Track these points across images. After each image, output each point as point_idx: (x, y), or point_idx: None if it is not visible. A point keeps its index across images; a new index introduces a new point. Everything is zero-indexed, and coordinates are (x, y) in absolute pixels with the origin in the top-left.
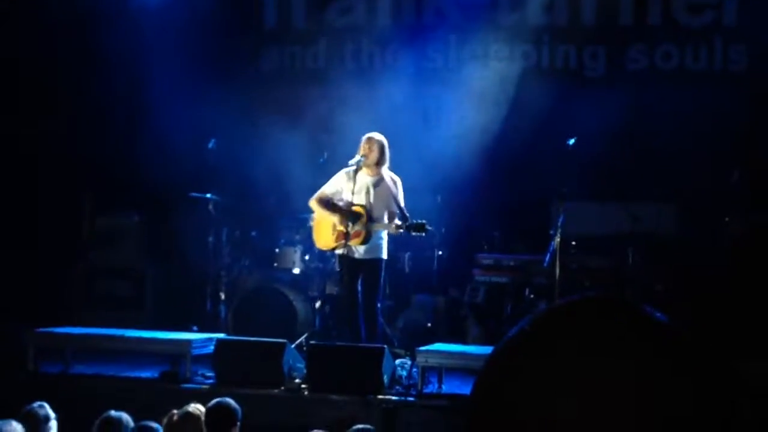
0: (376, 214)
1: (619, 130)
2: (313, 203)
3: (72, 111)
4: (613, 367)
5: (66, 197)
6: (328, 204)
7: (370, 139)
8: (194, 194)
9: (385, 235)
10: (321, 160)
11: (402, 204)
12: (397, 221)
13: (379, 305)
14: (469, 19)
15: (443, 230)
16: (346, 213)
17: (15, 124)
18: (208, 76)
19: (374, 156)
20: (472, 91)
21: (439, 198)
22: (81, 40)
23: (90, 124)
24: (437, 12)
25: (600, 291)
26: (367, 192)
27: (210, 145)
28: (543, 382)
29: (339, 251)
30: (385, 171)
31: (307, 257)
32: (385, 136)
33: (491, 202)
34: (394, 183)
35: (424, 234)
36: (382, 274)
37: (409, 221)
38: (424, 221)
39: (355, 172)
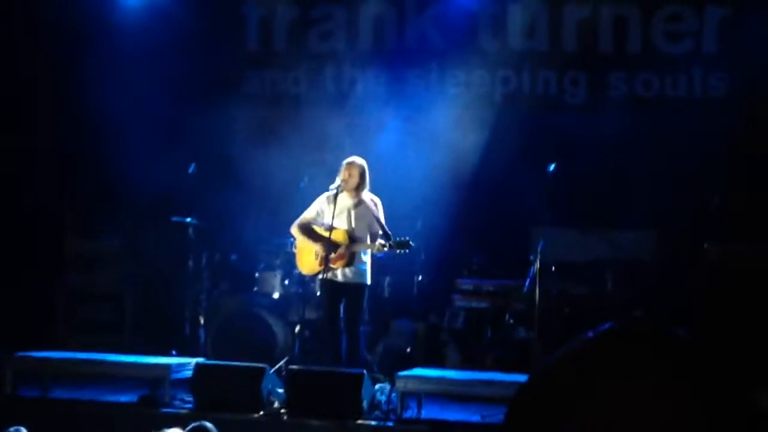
0: (357, 234)
1: (599, 156)
2: (294, 230)
3: (52, 132)
4: (646, 391)
5: (46, 220)
6: (309, 231)
7: (350, 164)
8: (175, 218)
9: (368, 259)
10: (301, 184)
11: (383, 223)
12: (381, 240)
13: (362, 330)
14: (450, 44)
15: (423, 255)
16: (327, 239)
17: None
18: (189, 98)
19: (354, 181)
20: (454, 116)
21: (419, 223)
22: (62, 59)
23: (69, 146)
24: (419, 37)
25: (627, 319)
26: (348, 214)
27: (190, 170)
28: (578, 408)
29: (322, 276)
30: (365, 193)
31: (286, 282)
32: (366, 160)
33: (471, 227)
34: (375, 204)
35: (407, 251)
36: (365, 299)
37: (393, 239)
38: (407, 238)
39: (335, 195)
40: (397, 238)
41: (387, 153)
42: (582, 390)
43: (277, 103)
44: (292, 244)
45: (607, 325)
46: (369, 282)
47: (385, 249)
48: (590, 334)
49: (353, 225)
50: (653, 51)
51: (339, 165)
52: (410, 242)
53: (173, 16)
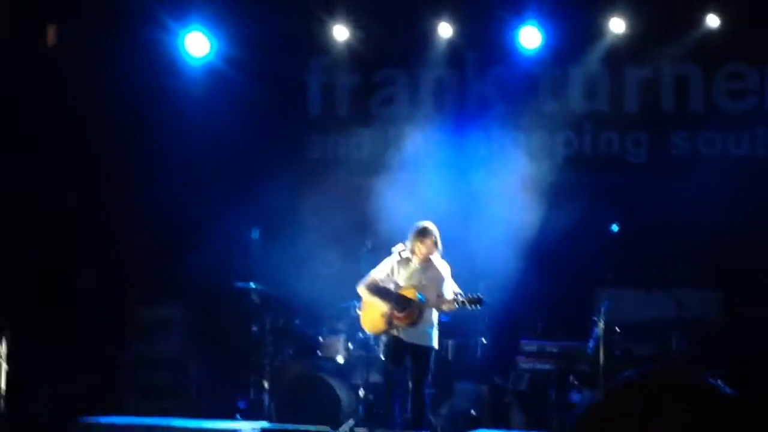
0: (427, 294)
1: (662, 215)
2: (361, 289)
3: (118, 201)
4: None
5: (110, 289)
6: (378, 290)
7: (426, 232)
8: (238, 284)
9: (435, 322)
10: (365, 248)
11: (454, 285)
12: (454, 295)
13: (427, 392)
14: (511, 106)
15: (486, 318)
16: (397, 297)
17: (62, 214)
18: (252, 164)
19: (429, 250)
20: (515, 178)
21: (481, 285)
22: (124, 129)
23: (131, 213)
24: (480, 100)
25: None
26: (419, 276)
27: (254, 235)
28: None
29: (387, 334)
30: (436, 257)
31: (350, 346)
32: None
33: (534, 289)
34: (444, 268)
35: (479, 307)
36: (431, 362)
37: (465, 295)
38: (480, 294)
39: (407, 260)
40: (469, 295)
41: (448, 215)
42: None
43: (340, 167)
44: (356, 307)
45: (644, 370)
46: (436, 346)
47: (456, 306)
48: (633, 373)
49: (423, 285)
50: (715, 109)
51: (401, 229)
52: (482, 298)
53: (236, 84)
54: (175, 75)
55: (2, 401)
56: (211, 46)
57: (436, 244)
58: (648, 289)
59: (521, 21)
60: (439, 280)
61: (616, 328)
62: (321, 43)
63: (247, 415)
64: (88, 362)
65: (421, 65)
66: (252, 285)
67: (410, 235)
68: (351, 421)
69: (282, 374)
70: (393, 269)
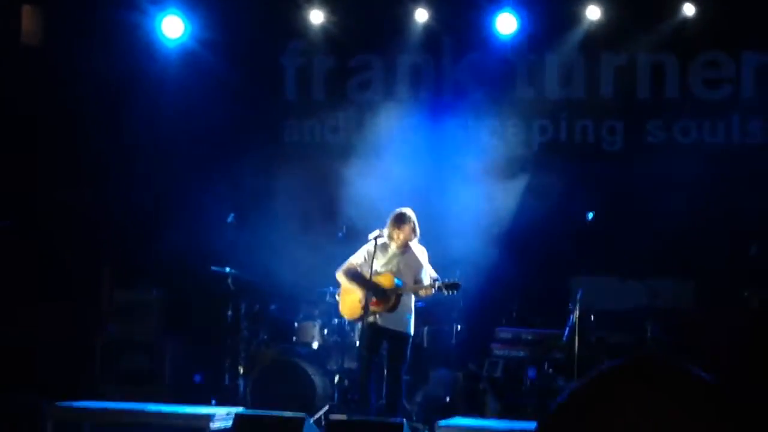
0: (404, 279)
1: (637, 204)
2: (340, 275)
3: (91, 183)
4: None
5: (86, 271)
6: (356, 275)
7: (404, 218)
8: (214, 268)
9: (412, 304)
10: (340, 234)
11: (431, 271)
12: (429, 281)
13: (404, 378)
14: (487, 93)
15: (462, 304)
16: (374, 283)
17: (37, 195)
18: (228, 147)
19: (407, 236)
20: (491, 165)
21: (457, 272)
22: (101, 112)
23: (108, 197)
24: (456, 86)
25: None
26: (396, 261)
27: (229, 219)
28: None
29: (364, 320)
30: (414, 242)
31: (325, 331)
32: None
33: (510, 276)
34: (421, 253)
35: (456, 292)
36: (408, 348)
37: (441, 280)
38: (456, 280)
39: (385, 245)
40: (446, 280)
41: (424, 202)
42: (601, 423)
43: (316, 152)
44: (332, 293)
45: (624, 359)
46: (412, 332)
47: (433, 291)
48: (608, 366)
49: (400, 270)
50: (691, 97)
51: (377, 214)
52: (459, 283)
53: (212, 67)
54: (151, 57)
55: None
56: (187, 29)
57: (414, 230)
58: (622, 278)
59: (498, 7)
60: (417, 266)
61: (591, 316)
62: (297, 27)
63: (223, 400)
64: (62, 345)
65: (397, 50)
66: (227, 269)
67: (388, 222)
68: (326, 408)
69: (257, 359)
70: (371, 255)
